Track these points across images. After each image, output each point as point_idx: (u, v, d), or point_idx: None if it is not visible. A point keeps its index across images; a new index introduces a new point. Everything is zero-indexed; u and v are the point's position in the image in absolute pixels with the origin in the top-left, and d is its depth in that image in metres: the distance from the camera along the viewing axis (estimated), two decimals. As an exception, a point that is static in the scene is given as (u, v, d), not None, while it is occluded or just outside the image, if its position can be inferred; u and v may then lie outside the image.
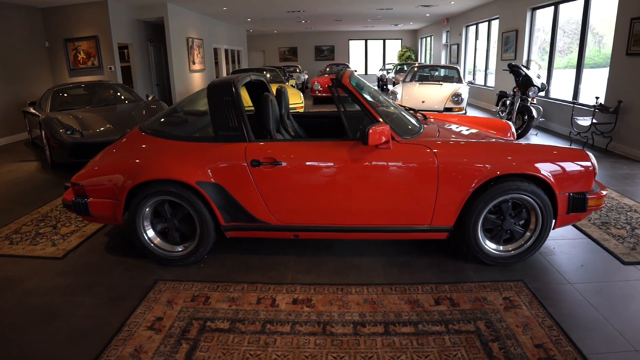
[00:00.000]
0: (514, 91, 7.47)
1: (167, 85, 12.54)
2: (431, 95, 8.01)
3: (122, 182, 2.84)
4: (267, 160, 2.73)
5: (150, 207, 2.90)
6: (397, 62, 21.49)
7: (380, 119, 2.64)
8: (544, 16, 8.93)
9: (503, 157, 2.66)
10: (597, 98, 6.55)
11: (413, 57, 21.41)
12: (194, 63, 12.29)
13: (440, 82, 8.78)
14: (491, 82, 11.61)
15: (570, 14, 8.20)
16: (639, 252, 3.11)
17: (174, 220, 2.93)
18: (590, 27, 7.30)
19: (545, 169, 2.68)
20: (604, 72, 6.58)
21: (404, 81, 9.80)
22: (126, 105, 6.84)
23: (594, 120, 6.26)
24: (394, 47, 22.99)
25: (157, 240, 2.99)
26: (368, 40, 22.50)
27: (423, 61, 20.80)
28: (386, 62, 22.30)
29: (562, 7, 8.03)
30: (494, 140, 3.06)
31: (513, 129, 3.98)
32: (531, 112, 6.92)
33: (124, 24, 9.98)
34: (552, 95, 8.36)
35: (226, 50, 15.43)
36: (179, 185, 2.77)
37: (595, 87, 7.23)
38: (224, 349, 2.07)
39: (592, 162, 2.77)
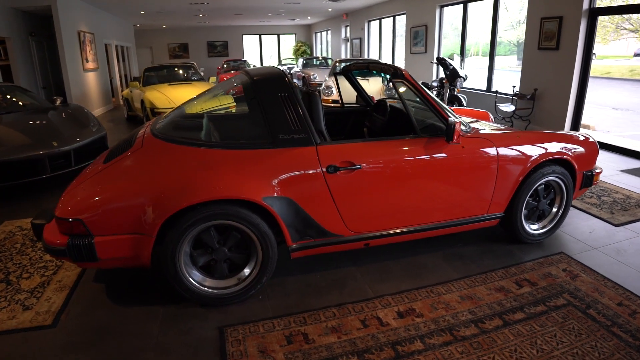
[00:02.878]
0: (441, 82, 8.13)
1: (56, 87, 10.85)
2: (366, 88, 8.27)
3: (153, 209, 2.17)
4: (345, 164, 2.42)
5: (192, 238, 2.30)
6: (292, 57, 21.70)
7: (449, 115, 2.67)
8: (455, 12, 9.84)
9: (544, 145, 2.92)
10: (513, 87, 7.51)
11: (308, 51, 21.80)
12: (87, 61, 10.80)
13: (367, 78, 9.10)
14: (400, 74, 12.43)
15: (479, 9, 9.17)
16: (620, 215, 3.70)
17: (223, 249, 2.38)
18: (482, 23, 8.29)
19: (570, 152, 3.03)
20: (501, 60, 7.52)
21: (330, 76, 9.95)
22: (40, 113, 5.57)
23: (516, 106, 7.18)
24: (288, 42, 23.10)
25: (209, 282, 2.40)
26: (262, 35, 22.21)
27: (319, 55, 21.30)
28: (281, 58, 22.33)
29: (471, 5, 8.94)
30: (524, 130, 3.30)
31: (492, 117, 4.38)
32: (461, 100, 7.62)
33: None
34: (465, 84, 9.29)
35: (116, 47, 13.86)
36: (237, 204, 2.28)
37: (498, 75, 8.24)
38: None
39: (597, 145, 3.21)
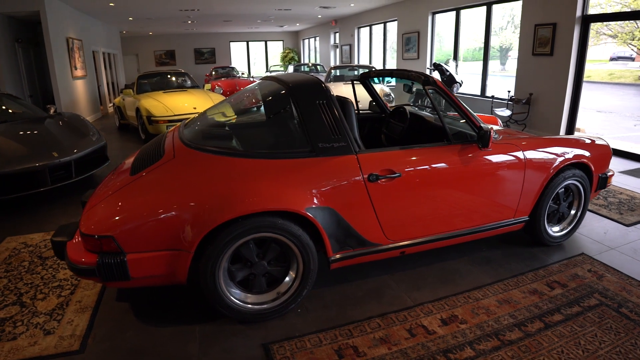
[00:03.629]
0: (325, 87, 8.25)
1: (43, 95, 10.61)
2: (365, 95, 8.34)
3: (192, 223, 2.08)
4: (385, 172, 2.41)
5: (231, 252, 2.20)
6: (280, 63, 21.72)
7: (480, 122, 2.72)
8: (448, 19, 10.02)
9: (565, 150, 3.00)
10: (509, 91, 7.68)
11: (296, 58, 21.85)
12: (76, 68, 10.61)
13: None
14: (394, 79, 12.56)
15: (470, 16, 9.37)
16: (629, 215, 3.82)
17: (263, 263, 2.30)
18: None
19: (588, 156, 3.11)
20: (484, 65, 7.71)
21: (326, 82, 10.00)
22: (36, 122, 5.31)
23: (512, 111, 7.34)
24: (276, 49, 23.11)
25: (251, 298, 2.32)
26: (250, 42, 22.16)
27: (308, 62, 21.37)
28: (269, 64, 22.31)
29: (464, 12, 9.13)
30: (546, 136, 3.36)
31: (500, 122, 4.48)
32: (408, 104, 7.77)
33: (-16, 19, 8.10)
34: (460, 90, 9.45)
35: (103, 54, 13.64)
36: (279, 215, 2.21)
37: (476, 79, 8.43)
38: None
39: (610, 149, 3.31)
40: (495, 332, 2.22)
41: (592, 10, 6.27)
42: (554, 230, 3.20)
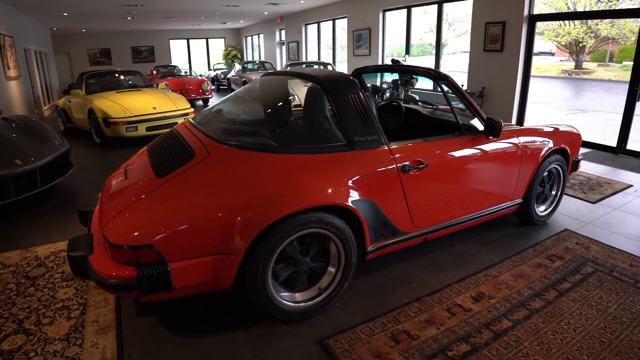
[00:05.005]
0: (396, 83, 8.59)
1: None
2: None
3: (240, 224, 2.00)
4: (415, 163, 2.51)
5: (278, 252, 2.15)
6: (223, 61, 21.27)
7: (483, 114, 2.94)
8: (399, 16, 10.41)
9: (549, 138, 3.33)
10: (462, 85, 8.18)
11: (239, 56, 21.51)
12: (8, 68, 9.70)
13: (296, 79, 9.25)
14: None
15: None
16: (592, 194, 4.30)
17: (306, 260, 2.27)
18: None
19: (566, 142, 3.48)
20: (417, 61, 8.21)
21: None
22: None
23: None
24: (217, 47, 22.57)
25: (299, 296, 2.31)
26: (190, 40, 21.44)
27: (250, 59, 21.13)
28: (211, 62, 21.77)
29: (414, 9, 9.56)
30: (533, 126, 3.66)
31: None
32: (416, 100, 8.14)
33: None
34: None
35: (35, 53, 12.56)
36: (324, 210, 2.20)
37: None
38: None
39: (581, 136, 3.71)
40: (521, 303, 2.45)
41: (535, 11, 6.87)
42: (540, 210, 3.54)
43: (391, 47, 12.70)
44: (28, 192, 4.23)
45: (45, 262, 3.10)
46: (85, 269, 2.10)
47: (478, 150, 2.87)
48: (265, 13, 14.93)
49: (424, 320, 2.31)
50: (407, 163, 2.50)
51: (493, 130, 2.79)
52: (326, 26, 13.64)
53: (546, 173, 3.45)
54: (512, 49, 7.03)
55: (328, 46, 13.94)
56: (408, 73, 3.23)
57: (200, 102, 12.83)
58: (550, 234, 3.41)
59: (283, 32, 16.61)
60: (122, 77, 9.20)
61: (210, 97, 12.74)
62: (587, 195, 4.26)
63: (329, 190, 2.20)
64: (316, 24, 14.11)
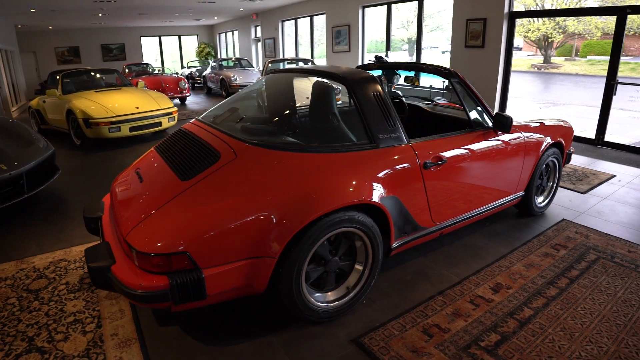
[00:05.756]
0: (380, 80, 8.69)
1: None
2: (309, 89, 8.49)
3: (276, 226, 1.97)
4: (435, 159, 2.57)
5: (312, 252, 2.14)
6: (196, 59, 20.88)
7: (490, 110, 3.03)
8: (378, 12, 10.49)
9: (548, 132, 3.46)
10: (444, 81, 8.34)
11: (213, 53, 21.16)
12: (-26, 69, 9.23)
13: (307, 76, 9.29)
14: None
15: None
16: (580, 184, 4.50)
17: (335, 259, 2.27)
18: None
19: (562, 136, 3.63)
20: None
21: (264, 75, 9.94)
22: None
23: (448, 100, 8.00)
24: (189, 44, 22.12)
25: (332, 295, 2.32)
26: (162, 37, 20.90)
27: (224, 56, 20.83)
28: (184, 60, 21.32)
29: (394, 5, 9.67)
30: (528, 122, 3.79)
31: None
32: (399, 95, 8.25)
33: None
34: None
35: (0, 52, 11.96)
36: (354, 209, 2.21)
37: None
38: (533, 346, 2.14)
39: (573, 130, 3.88)
40: (537, 292, 2.56)
41: (513, 8, 7.08)
42: (539, 202, 3.68)
43: (370, 43, 12.83)
44: (14, 199, 4.04)
45: (46, 274, 2.94)
46: (107, 280, 2.01)
47: (489, 146, 2.96)
48: (241, 9, 14.74)
49: (450, 313, 2.37)
50: (429, 159, 2.55)
51: (504, 125, 2.88)
52: (305, 23, 13.60)
53: (544, 165, 3.59)
54: (493, 45, 7.22)
55: (306, 43, 13.91)
56: (416, 70, 3.28)
57: (177, 101, 12.55)
58: (550, 224, 3.55)
59: (259, 28, 16.44)
60: (101, 76, 8.90)
61: (188, 96, 12.49)
62: (576, 186, 4.45)
63: (360, 189, 2.21)
64: (293, 21, 14.05)
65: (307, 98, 3.38)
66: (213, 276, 1.91)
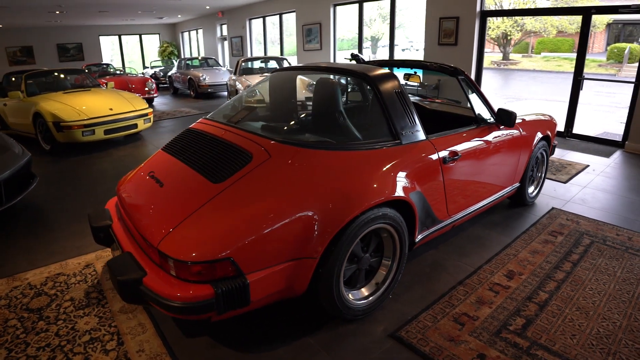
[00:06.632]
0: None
1: None
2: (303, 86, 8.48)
3: (317, 226, 1.95)
4: (452, 154, 2.66)
5: (351, 250, 2.15)
6: (159, 58, 20.28)
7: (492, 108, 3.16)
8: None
9: (538, 126, 3.65)
10: (439, 80, 8.57)
11: (176, 52, 20.63)
12: None
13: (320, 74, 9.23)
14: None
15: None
16: (560, 175, 4.78)
17: (367, 257, 2.30)
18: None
19: (548, 129, 3.84)
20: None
21: (238, 74, 9.83)
22: None
23: (425, 96, 8.23)
24: (151, 43, 21.44)
25: (366, 291, 2.36)
26: (122, 36, 20.13)
27: (188, 56, 20.36)
28: (145, 59, 20.64)
29: (366, 4, 9.81)
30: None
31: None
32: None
33: None
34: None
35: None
36: (386, 205, 2.23)
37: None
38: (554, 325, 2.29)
39: (556, 124, 4.12)
40: (547, 276, 2.71)
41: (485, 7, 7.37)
42: (530, 191, 3.88)
43: (340, 40, 12.95)
44: None
45: (44, 290, 2.72)
46: (139, 294, 1.89)
47: (495, 140, 3.12)
48: (207, 7, 14.45)
49: (474, 301, 2.48)
50: (447, 155, 2.65)
51: (509, 120, 3.03)
52: (274, 21, 13.51)
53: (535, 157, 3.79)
54: (465, 42, 7.49)
55: (275, 41, 13.84)
56: (420, 68, 3.37)
57: (145, 102, 12.14)
58: (542, 212, 3.76)
59: (225, 27, 16.19)
60: (67, 76, 8.49)
61: (155, 96, 12.13)
62: (557, 176, 4.72)
63: (391, 185, 2.25)
64: (261, 19, 13.93)
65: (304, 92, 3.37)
66: (257, 281, 1.86)
